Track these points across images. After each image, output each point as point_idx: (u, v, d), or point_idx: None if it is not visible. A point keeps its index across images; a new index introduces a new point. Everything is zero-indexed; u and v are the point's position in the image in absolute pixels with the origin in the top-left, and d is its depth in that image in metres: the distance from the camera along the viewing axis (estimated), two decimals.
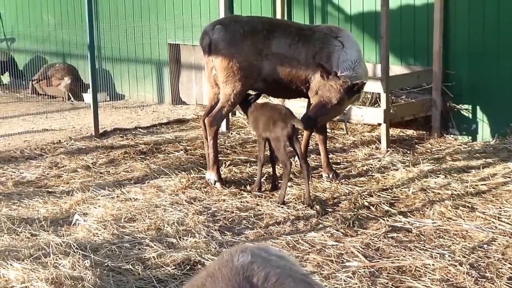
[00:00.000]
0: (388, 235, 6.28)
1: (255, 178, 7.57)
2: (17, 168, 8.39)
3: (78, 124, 10.51)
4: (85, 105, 11.66)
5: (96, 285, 5.29)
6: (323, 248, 6.04)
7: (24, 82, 13.14)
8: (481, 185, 7.40)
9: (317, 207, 6.87)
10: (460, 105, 9.20)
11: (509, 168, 7.85)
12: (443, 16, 9.10)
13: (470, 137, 9.14)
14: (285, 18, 10.21)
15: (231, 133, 9.66)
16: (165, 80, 11.93)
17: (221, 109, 7.62)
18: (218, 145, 7.87)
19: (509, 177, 7.59)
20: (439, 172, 7.73)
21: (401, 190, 7.32)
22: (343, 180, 7.67)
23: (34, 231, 6.36)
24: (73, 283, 5.27)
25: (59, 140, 9.47)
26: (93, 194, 7.35)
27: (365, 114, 8.72)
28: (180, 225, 6.49)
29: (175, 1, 11.62)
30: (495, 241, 6.11)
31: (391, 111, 8.69)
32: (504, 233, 6.27)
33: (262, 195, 7.30)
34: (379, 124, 8.74)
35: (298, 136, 7.28)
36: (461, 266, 5.59)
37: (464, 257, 5.77)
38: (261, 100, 7.88)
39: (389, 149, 8.55)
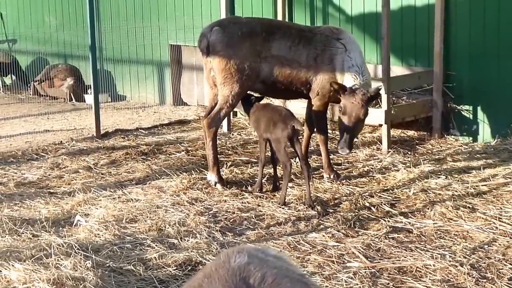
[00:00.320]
0: (389, 236, 6.28)
1: (256, 179, 7.58)
2: (18, 169, 8.40)
3: (80, 125, 10.51)
4: (87, 106, 11.67)
5: (98, 286, 5.30)
6: (324, 249, 6.04)
7: (26, 83, 13.15)
8: (482, 185, 7.40)
9: (318, 207, 6.87)
10: (461, 106, 9.20)
11: (510, 168, 7.84)
12: (444, 17, 9.10)
13: (471, 138, 9.13)
14: (286, 19, 10.21)
15: (232, 134, 9.66)
16: (166, 81, 11.94)
17: (219, 110, 7.62)
18: (219, 146, 7.87)
19: (510, 178, 7.58)
20: (440, 173, 7.74)
21: (402, 191, 7.33)
22: (344, 180, 7.68)
23: (35, 232, 6.36)
24: (74, 284, 5.27)
25: (61, 141, 9.48)
26: (94, 194, 7.36)
27: None
28: (181, 225, 6.50)
29: (176, 2, 11.63)
30: (495, 242, 6.11)
31: (392, 112, 8.70)
32: (505, 233, 6.27)
33: (263, 195, 7.31)
34: (380, 125, 8.74)
35: (299, 137, 7.30)
36: (462, 266, 5.59)
37: (465, 257, 5.77)
38: (263, 101, 7.89)
39: (390, 149, 8.55)
